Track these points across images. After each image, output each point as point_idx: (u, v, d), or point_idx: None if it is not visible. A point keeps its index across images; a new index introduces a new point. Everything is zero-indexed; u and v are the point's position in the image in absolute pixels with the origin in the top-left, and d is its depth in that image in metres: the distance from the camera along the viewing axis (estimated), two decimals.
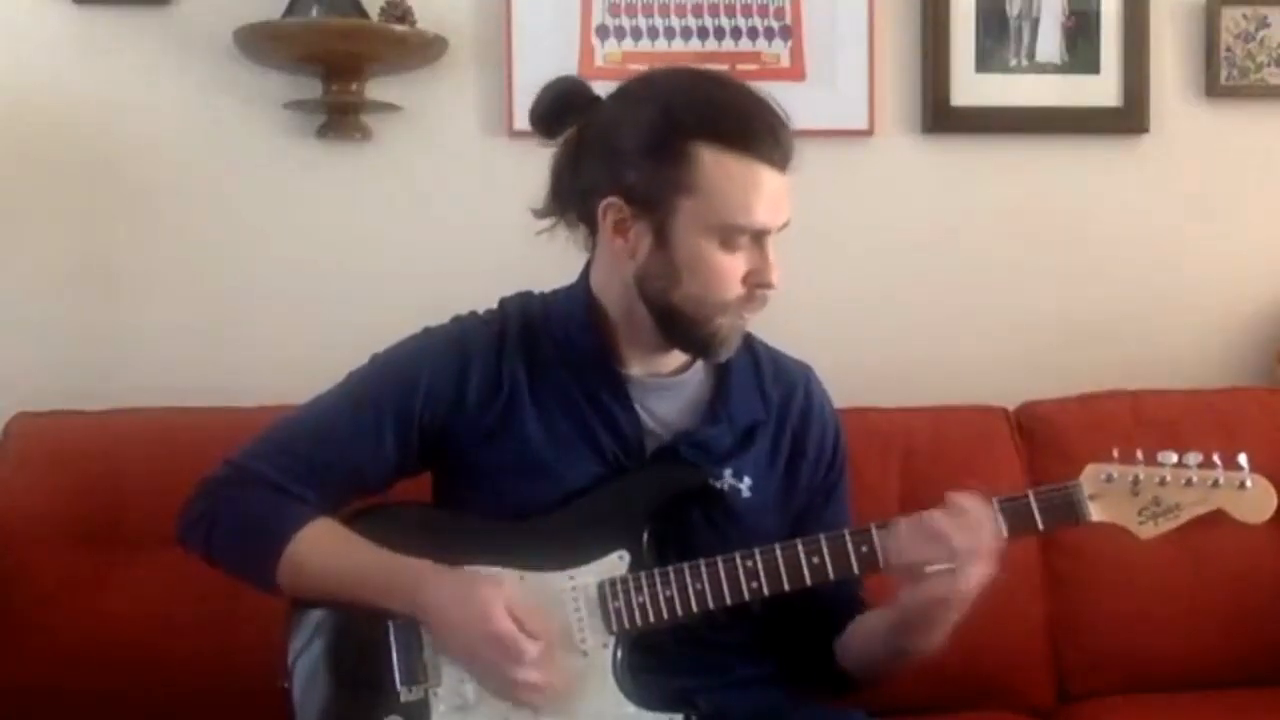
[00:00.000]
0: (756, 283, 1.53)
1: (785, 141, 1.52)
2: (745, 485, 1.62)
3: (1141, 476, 1.52)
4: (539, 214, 1.63)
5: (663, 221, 1.52)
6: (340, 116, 2.32)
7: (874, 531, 1.52)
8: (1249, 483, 1.52)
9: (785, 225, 1.54)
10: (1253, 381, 2.40)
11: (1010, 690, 2.02)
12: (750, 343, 1.69)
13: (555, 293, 1.68)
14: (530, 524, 1.56)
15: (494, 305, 1.69)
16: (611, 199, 1.54)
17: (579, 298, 1.64)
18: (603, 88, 2.31)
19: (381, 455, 1.60)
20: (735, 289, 1.53)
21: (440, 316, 1.69)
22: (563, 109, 1.61)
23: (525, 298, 1.69)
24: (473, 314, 1.68)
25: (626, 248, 1.55)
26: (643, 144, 1.52)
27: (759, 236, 1.52)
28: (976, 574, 1.46)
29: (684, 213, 1.51)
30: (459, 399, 1.60)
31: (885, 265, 2.43)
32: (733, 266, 1.52)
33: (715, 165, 1.49)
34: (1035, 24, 2.43)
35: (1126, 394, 2.23)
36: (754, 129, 1.50)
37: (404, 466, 1.63)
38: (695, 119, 1.50)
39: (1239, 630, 2.08)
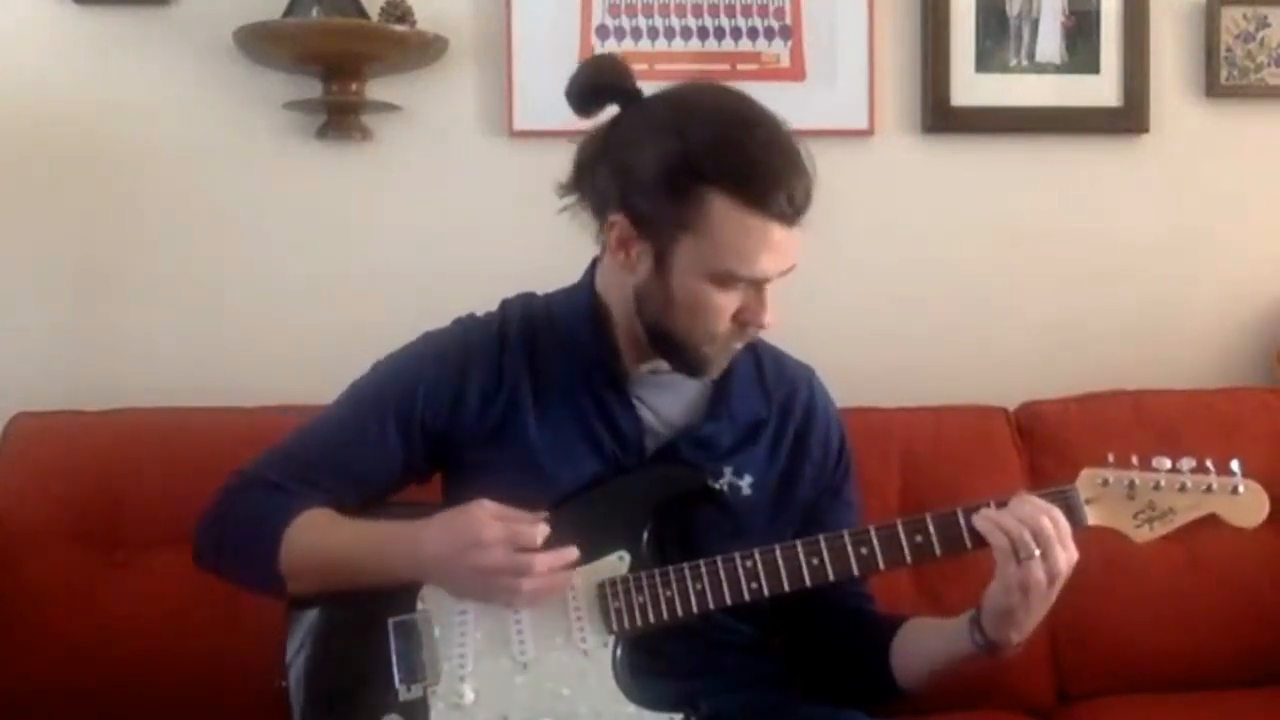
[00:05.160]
0: (747, 321, 1.53)
1: (801, 198, 1.48)
2: (746, 483, 1.62)
3: (1137, 481, 1.53)
4: (561, 192, 1.62)
5: (664, 251, 1.51)
6: (340, 116, 2.31)
7: (873, 533, 1.52)
8: (1241, 488, 1.53)
9: (790, 270, 1.53)
10: (1253, 381, 2.40)
11: (1010, 690, 2.01)
12: (753, 342, 1.67)
13: (558, 292, 1.69)
14: None
15: (495, 306, 1.69)
16: (618, 217, 1.53)
17: (583, 295, 1.65)
18: None
19: (386, 459, 1.61)
20: (725, 325, 1.53)
21: (440, 316, 1.69)
22: (597, 91, 1.58)
23: (527, 298, 1.69)
24: (472, 316, 1.68)
25: (628, 264, 1.55)
26: (657, 174, 1.48)
27: (758, 282, 1.51)
28: (1066, 557, 1.46)
29: (685, 249, 1.49)
30: (459, 401, 1.60)
31: (885, 265, 2.43)
32: (726, 305, 1.52)
33: (724, 214, 1.46)
34: (1035, 24, 2.43)
35: (1126, 394, 2.23)
36: (770, 186, 1.46)
37: (410, 470, 1.63)
38: (713, 164, 1.46)
39: (1238, 630, 2.08)
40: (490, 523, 1.46)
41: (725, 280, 1.50)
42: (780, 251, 1.49)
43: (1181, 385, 2.29)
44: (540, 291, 1.70)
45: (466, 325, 1.67)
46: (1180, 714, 1.99)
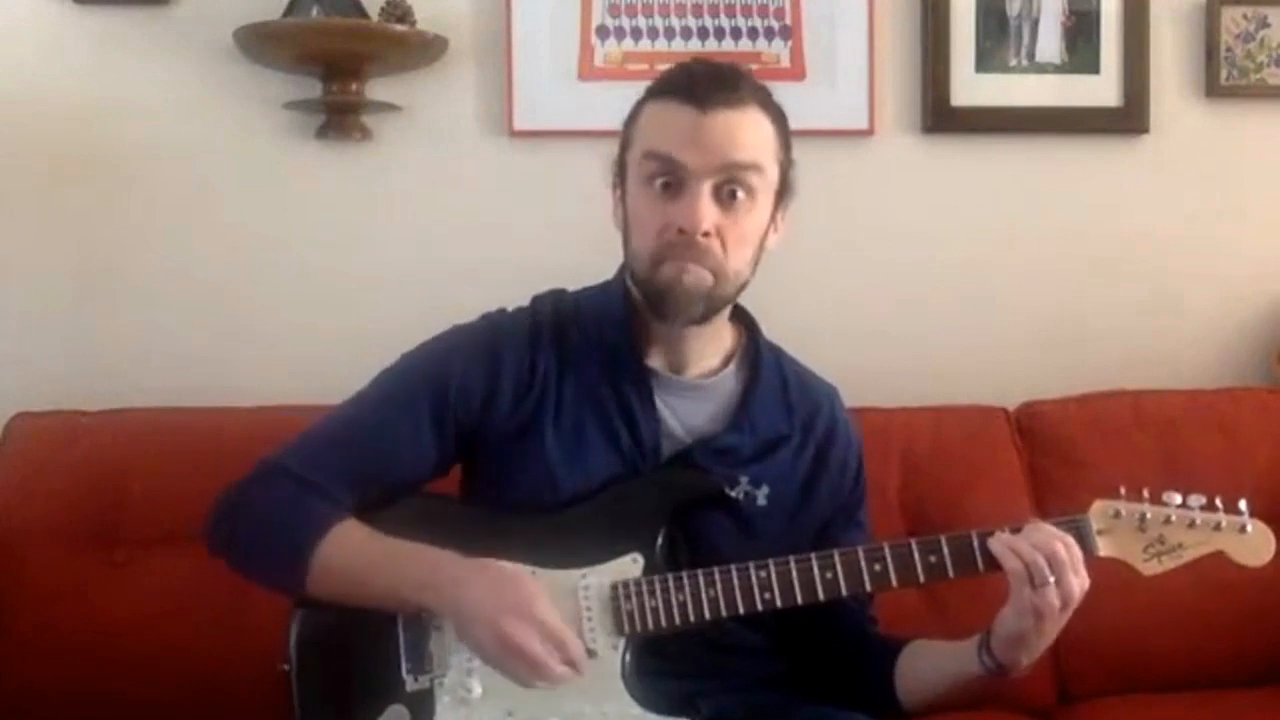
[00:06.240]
0: (680, 225, 1.53)
1: (716, 87, 1.54)
2: (762, 493, 1.62)
3: (1149, 515, 1.55)
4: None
5: (623, 178, 1.61)
6: (340, 116, 2.31)
7: (887, 551, 1.53)
8: (1249, 527, 1.56)
9: (735, 169, 1.54)
10: (1252, 382, 2.40)
11: (1010, 690, 2.00)
12: (779, 359, 1.71)
13: (589, 288, 1.70)
14: (545, 521, 1.56)
15: (495, 305, 1.69)
16: (612, 178, 1.64)
17: (616, 292, 1.66)
18: (603, 88, 2.34)
19: (417, 451, 1.59)
20: (659, 234, 1.55)
21: (440, 315, 1.68)
22: None
23: (558, 294, 1.70)
24: (502, 311, 1.68)
25: (618, 223, 1.63)
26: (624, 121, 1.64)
27: (688, 182, 1.53)
28: (1079, 583, 1.49)
29: (630, 166, 1.59)
30: (491, 395, 1.60)
31: (885, 265, 2.43)
32: (658, 208, 1.55)
33: (648, 113, 1.59)
34: (1035, 24, 2.43)
35: (1126, 394, 2.23)
36: (685, 79, 1.57)
37: (442, 462, 1.62)
38: (651, 86, 1.61)
39: (1238, 631, 2.08)
40: (546, 605, 1.45)
41: (652, 173, 1.55)
42: (698, 140, 1.53)
43: (1181, 385, 2.29)
44: (570, 289, 1.71)
45: (497, 321, 1.67)
46: (1180, 714, 1.99)
